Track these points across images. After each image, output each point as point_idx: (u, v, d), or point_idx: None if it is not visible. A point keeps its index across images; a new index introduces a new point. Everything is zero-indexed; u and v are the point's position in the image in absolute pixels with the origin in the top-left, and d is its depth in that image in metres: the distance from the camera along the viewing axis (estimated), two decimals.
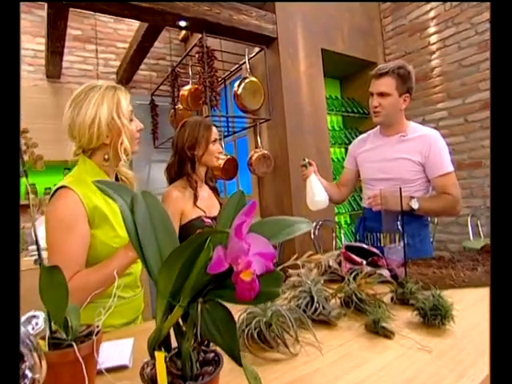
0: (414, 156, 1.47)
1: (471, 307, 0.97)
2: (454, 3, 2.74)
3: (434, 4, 2.89)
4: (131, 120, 1.06)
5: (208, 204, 1.49)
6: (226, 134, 3.20)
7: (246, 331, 0.81)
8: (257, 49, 2.77)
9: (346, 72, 3.50)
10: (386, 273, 1.27)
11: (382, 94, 1.44)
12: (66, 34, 2.58)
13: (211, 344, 0.62)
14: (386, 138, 1.56)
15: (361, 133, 3.47)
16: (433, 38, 2.94)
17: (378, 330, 0.83)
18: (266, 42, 2.69)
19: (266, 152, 2.72)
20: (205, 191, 1.53)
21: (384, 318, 0.84)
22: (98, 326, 0.66)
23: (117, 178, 1.15)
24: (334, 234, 2.86)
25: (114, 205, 1.04)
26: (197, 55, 2.37)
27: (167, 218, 0.58)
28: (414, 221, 1.53)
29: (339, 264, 1.39)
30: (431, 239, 2.85)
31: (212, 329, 0.48)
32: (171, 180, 1.49)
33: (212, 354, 0.62)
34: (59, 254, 0.93)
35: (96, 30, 3.38)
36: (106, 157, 1.03)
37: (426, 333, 0.83)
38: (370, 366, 0.71)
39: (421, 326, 0.86)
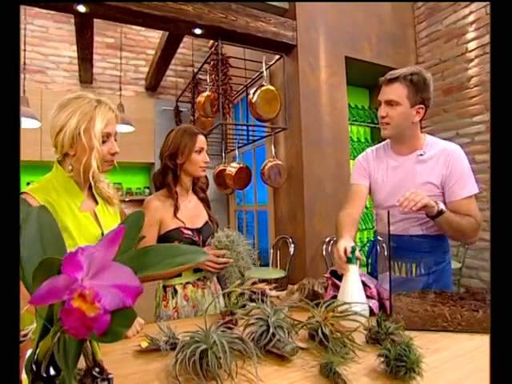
0: (435, 178, 1.28)
1: (457, 359, 0.82)
2: None
3: (473, 7, 2.64)
4: (105, 142, 1.02)
5: (192, 215, 1.43)
6: (245, 142, 3.17)
7: (180, 358, 0.74)
8: (278, 56, 2.71)
9: (374, 81, 3.29)
10: (373, 304, 1.14)
11: (390, 103, 1.27)
12: (95, 42, 2.71)
13: (106, 370, 0.57)
14: (402, 158, 1.35)
15: None
16: (471, 45, 2.68)
17: (328, 375, 0.72)
18: (286, 49, 2.62)
19: (279, 162, 2.64)
20: (190, 202, 1.47)
21: (337, 362, 0.73)
22: (25, 335, 0.63)
23: (92, 191, 1.13)
24: None
25: (80, 216, 1.02)
26: (212, 62, 2.36)
27: (60, 238, 0.54)
28: (435, 247, 1.35)
29: (326, 289, 1.28)
30: (453, 266, 2.58)
31: (62, 363, 0.42)
32: (157, 189, 1.46)
33: (105, 383, 0.56)
34: None
35: (122, 38, 3.51)
36: (70, 168, 1.01)
37: None
38: None
39: (384, 377, 0.74)
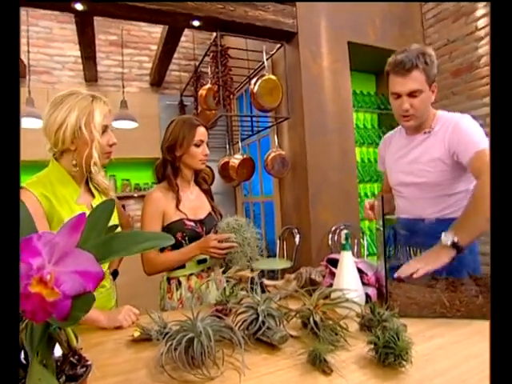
0: (438, 153, 1.22)
1: (451, 346, 0.79)
2: None
3: None
4: (103, 133, 1.06)
5: (194, 206, 1.43)
6: (249, 133, 3.16)
7: (166, 347, 0.75)
8: (279, 45, 2.67)
9: (380, 66, 3.21)
10: (371, 291, 1.12)
11: (413, 94, 1.18)
12: (98, 40, 2.73)
13: (84, 357, 0.58)
14: (411, 138, 1.32)
15: None
16: (481, 23, 2.57)
17: (315, 363, 0.71)
18: (286, 37, 2.57)
19: (282, 153, 2.61)
20: (192, 193, 1.47)
21: (324, 350, 0.72)
22: None
23: (88, 185, 1.16)
24: (356, 241, 2.65)
25: (77, 209, 1.05)
26: (211, 54, 2.35)
27: (35, 232, 0.54)
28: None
29: (324, 277, 1.26)
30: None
31: (28, 346, 0.43)
32: (158, 181, 1.46)
33: (83, 370, 0.57)
34: None
35: (125, 34, 3.53)
36: (74, 162, 1.04)
37: (374, 374, 0.69)
38: None
39: (374, 364, 0.72)
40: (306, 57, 2.57)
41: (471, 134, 1.15)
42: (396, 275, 1.04)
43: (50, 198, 0.99)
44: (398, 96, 1.20)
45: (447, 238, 1.03)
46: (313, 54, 2.59)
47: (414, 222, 1.30)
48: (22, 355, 0.52)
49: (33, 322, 0.41)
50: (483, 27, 2.56)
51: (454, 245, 1.02)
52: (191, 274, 1.37)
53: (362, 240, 2.76)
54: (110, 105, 1.10)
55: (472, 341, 0.81)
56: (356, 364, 0.73)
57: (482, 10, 2.57)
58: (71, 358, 0.56)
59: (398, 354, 0.68)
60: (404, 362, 0.68)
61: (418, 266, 1.02)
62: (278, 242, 2.88)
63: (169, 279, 1.37)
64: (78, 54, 3.30)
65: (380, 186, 3.37)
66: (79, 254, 0.43)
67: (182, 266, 1.36)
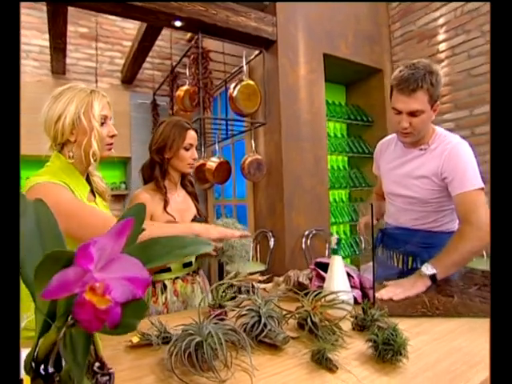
0: (430, 172, 1.25)
1: (436, 341, 0.87)
2: (465, 10, 2.61)
3: (443, 10, 2.77)
4: (103, 124, 1.06)
5: (181, 208, 1.42)
6: (224, 136, 3.17)
7: (174, 351, 0.75)
8: (257, 52, 2.72)
9: (351, 78, 3.41)
10: (356, 293, 1.19)
11: (414, 114, 1.18)
12: (68, 31, 2.59)
13: (106, 365, 0.56)
14: (407, 151, 1.34)
15: (364, 141, 3.39)
16: (442, 46, 2.82)
17: (321, 361, 0.75)
18: (265, 44, 2.63)
19: (258, 157, 2.66)
20: (179, 195, 1.46)
21: (328, 349, 0.76)
22: None
23: (89, 182, 1.13)
24: (327, 245, 2.76)
25: (89, 203, 1.05)
26: (192, 56, 2.33)
27: (58, 230, 0.53)
28: (435, 243, 1.29)
29: (311, 280, 1.32)
30: None
31: (70, 360, 0.42)
32: (145, 181, 1.44)
33: (105, 378, 0.56)
34: (85, 228, 0.90)
35: (96, 28, 3.39)
36: (71, 154, 1.03)
37: (375, 369, 0.74)
38: None
39: (373, 360, 0.78)
40: (284, 65, 2.65)
41: (468, 166, 1.18)
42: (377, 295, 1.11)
43: (72, 189, 0.98)
44: (399, 112, 1.21)
45: (427, 269, 1.12)
46: (291, 62, 2.67)
47: (399, 229, 1.36)
48: (42, 366, 0.50)
49: (88, 331, 0.40)
50: (444, 50, 2.81)
51: (432, 276, 1.12)
52: (177, 278, 1.35)
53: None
54: (107, 97, 1.11)
55: (451, 336, 0.90)
56: (357, 360, 0.78)
57: (442, 35, 2.82)
58: (93, 366, 0.55)
59: (397, 350, 0.74)
60: (401, 357, 0.75)
61: (397, 291, 1.12)
62: (252, 245, 2.91)
63: (154, 283, 1.35)
64: (44, 43, 3.09)
65: (347, 192, 3.54)
66: (126, 260, 0.43)
67: (168, 270, 1.34)
